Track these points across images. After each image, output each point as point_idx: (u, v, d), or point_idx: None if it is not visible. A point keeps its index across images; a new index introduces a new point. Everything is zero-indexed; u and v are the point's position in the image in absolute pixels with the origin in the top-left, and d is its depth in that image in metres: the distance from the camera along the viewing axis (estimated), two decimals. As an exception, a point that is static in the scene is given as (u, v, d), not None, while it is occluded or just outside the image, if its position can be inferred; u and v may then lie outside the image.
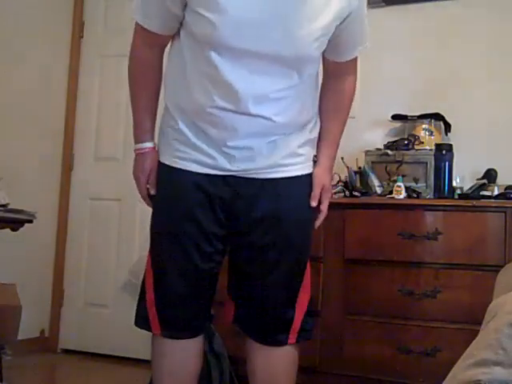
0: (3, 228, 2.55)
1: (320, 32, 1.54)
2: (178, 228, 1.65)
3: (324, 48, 1.61)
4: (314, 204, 1.72)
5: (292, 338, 1.74)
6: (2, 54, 3.30)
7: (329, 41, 1.61)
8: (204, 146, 1.61)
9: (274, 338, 1.74)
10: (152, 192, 1.74)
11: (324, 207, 1.75)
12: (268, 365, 1.76)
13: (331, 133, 1.81)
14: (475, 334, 1.07)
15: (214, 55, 1.51)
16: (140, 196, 1.82)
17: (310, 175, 1.74)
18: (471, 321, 2.31)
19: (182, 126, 1.63)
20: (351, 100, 1.82)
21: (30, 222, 2.60)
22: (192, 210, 1.63)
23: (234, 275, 1.77)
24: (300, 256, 1.74)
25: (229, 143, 1.60)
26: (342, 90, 1.79)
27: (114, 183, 3.63)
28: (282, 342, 1.74)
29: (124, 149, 3.64)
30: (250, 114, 1.56)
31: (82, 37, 3.79)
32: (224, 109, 1.56)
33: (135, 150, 1.76)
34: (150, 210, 3.76)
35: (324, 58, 1.72)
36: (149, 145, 1.73)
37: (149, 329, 1.74)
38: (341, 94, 1.79)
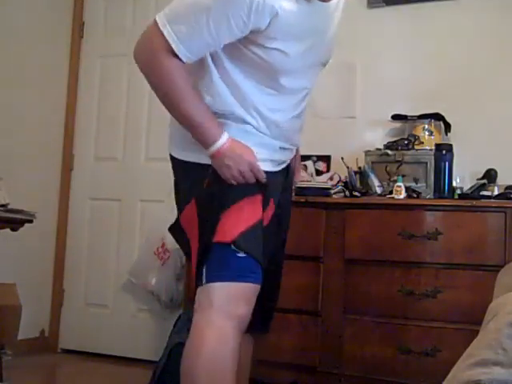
0: (3, 228, 2.55)
1: None
2: None
3: None
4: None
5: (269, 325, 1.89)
6: (2, 54, 3.30)
7: None
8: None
9: (265, 327, 1.86)
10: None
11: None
12: (249, 353, 1.87)
13: None
14: (475, 334, 1.07)
15: (281, 79, 1.59)
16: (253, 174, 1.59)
17: None
18: (471, 321, 2.31)
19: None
20: None
21: (30, 221, 2.60)
22: None
23: None
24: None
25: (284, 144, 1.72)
26: None
27: (114, 183, 3.64)
28: (267, 330, 1.88)
29: (124, 149, 3.64)
30: (299, 116, 1.73)
31: (82, 37, 3.79)
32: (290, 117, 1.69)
33: (218, 150, 1.55)
34: (149, 210, 3.73)
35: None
36: (227, 135, 1.56)
37: None
38: None
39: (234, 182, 1.59)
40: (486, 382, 0.81)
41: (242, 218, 1.58)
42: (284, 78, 1.58)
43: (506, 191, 2.61)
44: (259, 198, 1.62)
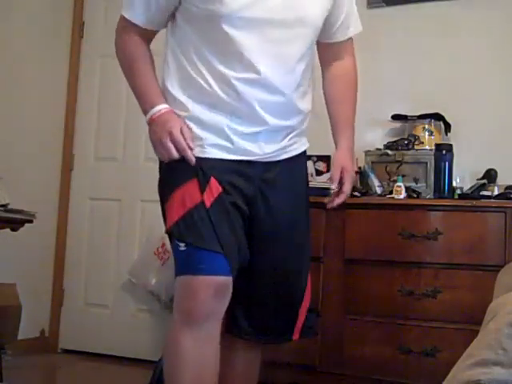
0: (3, 228, 2.55)
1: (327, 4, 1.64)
2: None
3: (323, 22, 1.66)
4: (334, 186, 1.73)
5: (296, 334, 1.75)
6: (1, 54, 3.30)
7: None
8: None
9: (280, 336, 1.76)
10: (191, 145, 1.56)
11: (346, 188, 1.75)
12: (252, 364, 1.80)
13: (344, 114, 1.82)
14: (475, 334, 1.07)
15: (226, 28, 1.52)
16: (172, 154, 1.56)
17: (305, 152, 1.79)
18: (471, 321, 2.31)
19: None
20: (356, 80, 1.85)
21: (30, 222, 2.60)
22: None
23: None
24: (307, 248, 1.77)
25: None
26: (344, 72, 1.82)
27: (113, 183, 3.63)
28: (286, 339, 1.77)
29: (124, 149, 3.64)
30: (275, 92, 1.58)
31: (82, 37, 3.79)
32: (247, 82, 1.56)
33: (151, 117, 1.58)
34: (149, 210, 3.73)
35: (320, 45, 1.75)
36: (166, 106, 1.59)
37: None
38: (345, 76, 1.82)
39: (159, 155, 1.59)
40: (486, 381, 0.81)
41: (175, 208, 1.54)
42: (227, 25, 1.52)
43: (506, 191, 2.61)
44: (194, 182, 1.54)
